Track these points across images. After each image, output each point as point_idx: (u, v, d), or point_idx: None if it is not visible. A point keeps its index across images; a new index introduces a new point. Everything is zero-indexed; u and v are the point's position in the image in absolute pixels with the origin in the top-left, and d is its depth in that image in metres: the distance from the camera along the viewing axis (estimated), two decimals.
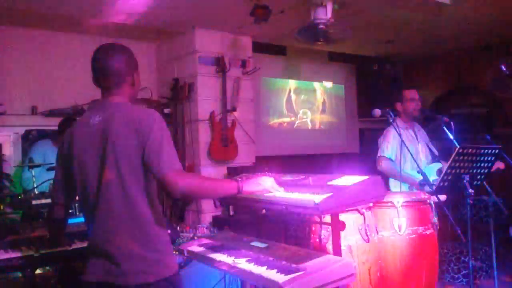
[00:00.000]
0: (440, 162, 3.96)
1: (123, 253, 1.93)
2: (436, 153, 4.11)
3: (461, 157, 2.95)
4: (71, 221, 2.68)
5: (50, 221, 2.37)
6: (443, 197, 3.28)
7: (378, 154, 3.98)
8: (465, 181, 2.96)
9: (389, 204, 3.10)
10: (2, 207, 4.09)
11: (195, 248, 2.73)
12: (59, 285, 3.46)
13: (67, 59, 5.58)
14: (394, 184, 4.00)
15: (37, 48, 5.47)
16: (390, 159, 3.93)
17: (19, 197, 3.92)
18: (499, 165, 3.58)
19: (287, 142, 7.23)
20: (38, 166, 4.32)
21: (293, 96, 7.37)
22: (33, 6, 4.76)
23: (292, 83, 7.37)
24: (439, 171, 3.80)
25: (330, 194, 2.14)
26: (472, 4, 5.20)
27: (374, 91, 7.68)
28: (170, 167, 1.90)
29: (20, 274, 3.38)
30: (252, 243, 2.52)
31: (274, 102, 7.16)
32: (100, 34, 5.60)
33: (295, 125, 7.41)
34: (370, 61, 7.76)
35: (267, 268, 2.12)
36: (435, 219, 3.24)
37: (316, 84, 7.66)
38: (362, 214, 2.90)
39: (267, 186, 2.25)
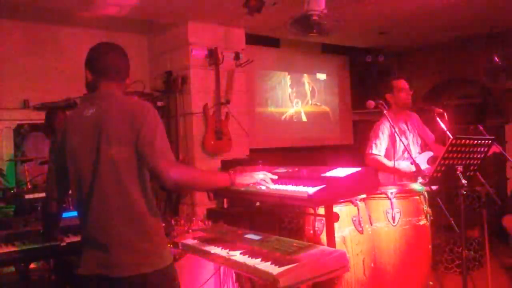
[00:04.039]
0: (431, 151, 3.96)
1: (118, 245, 1.93)
2: (432, 136, 4.06)
3: (455, 148, 2.96)
4: (65, 215, 2.67)
5: (45, 215, 2.37)
6: (434, 187, 3.28)
7: (366, 151, 3.95)
8: (458, 172, 2.97)
9: (383, 195, 3.11)
10: None
11: (190, 241, 2.74)
12: (54, 279, 3.45)
13: (59, 52, 5.51)
14: (382, 178, 3.98)
15: (28, 41, 5.40)
16: (377, 155, 3.91)
17: (12, 191, 3.91)
18: (495, 149, 3.55)
19: (281, 135, 7.22)
20: (31, 160, 4.30)
21: (285, 88, 7.35)
22: None
23: (285, 75, 7.35)
24: (430, 160, 3.80)
25: (324, 185, 2.14)
26: None
27: (368, 82, 7.68)
28: (163, 157, 1.91)
29: (14, 269, 3.37)
30: (246, 236, 2.52)
31: (268, 94, 7.14)
32: (92, 27, 5.55)
33: (289, 118, 7.40)
34: (363, 52, 7.75)
35: (261, 260, 2.12)
36: (429, 210, 3.25)
37: (308, 76, 7.65)
38: (356, 205, 2.91)
39: (259, 179, 2.28)
